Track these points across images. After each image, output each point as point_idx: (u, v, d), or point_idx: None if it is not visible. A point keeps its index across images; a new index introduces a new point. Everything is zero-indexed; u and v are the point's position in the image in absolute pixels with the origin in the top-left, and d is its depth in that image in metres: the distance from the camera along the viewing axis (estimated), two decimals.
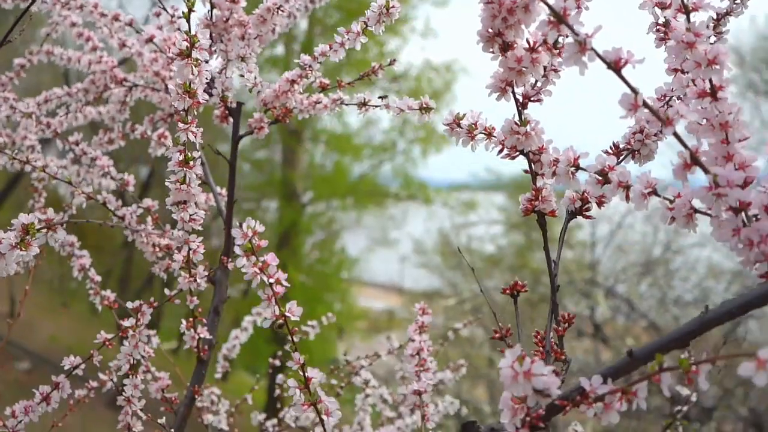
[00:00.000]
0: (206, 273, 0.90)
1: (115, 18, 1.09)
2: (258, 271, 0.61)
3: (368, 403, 1.26)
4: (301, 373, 0.64)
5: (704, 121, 0.54)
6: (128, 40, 1.15)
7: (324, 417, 0.63)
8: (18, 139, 1.23)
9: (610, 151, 0.68)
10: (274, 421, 1.36)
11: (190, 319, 0.95)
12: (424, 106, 0.83)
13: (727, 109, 0.53)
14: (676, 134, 0.50)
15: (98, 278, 1.09)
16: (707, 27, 0.72)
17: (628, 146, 0.67)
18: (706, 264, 7.53)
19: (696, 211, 0.54)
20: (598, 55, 0.50)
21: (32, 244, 0.67)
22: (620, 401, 0.49)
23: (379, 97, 0.96)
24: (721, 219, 0.51)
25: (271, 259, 0.62)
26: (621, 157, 0.67)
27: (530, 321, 7.19)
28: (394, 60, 0.98)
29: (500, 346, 0.68)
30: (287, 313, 0.62)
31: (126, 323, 0.89)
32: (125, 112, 1.19)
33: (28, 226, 0.65)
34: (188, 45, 0.68)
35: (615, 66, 0.50)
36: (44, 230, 0.65)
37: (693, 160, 0.51)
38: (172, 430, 0.92)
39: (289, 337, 0.64)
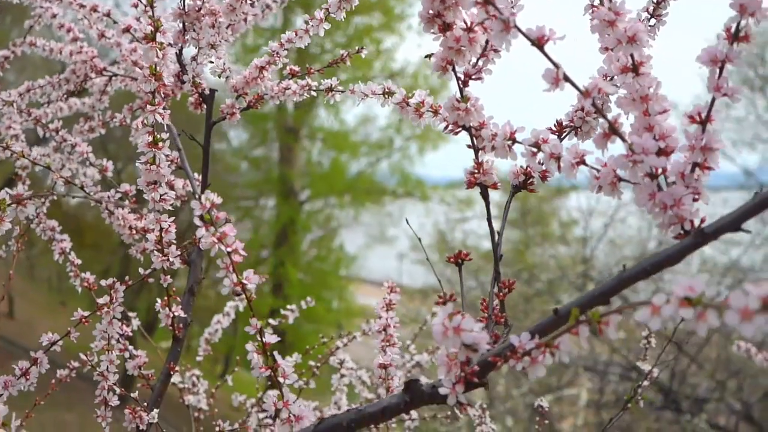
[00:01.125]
0: (179, 252, 0.93)
1: (94, 9, 1.13)
2: (216, 241, 0.65)
3: (344, 383, 1.30)
4: (259, 338, 0.68)
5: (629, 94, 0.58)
6: (107, 31, 1.18)
7: (281, 379, 0.67)
8: (2, 129, 1.27)
9: (553, 128, 0.71)
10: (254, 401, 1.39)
11: (165, 298, 0.98)
12: (387, 90, 0.86)
13: (648, 84, 0.57)
14: (594, 105, 0.54)
15: (78, 261, 1.13)
16: (646, 10, 0.76)
17: (571, 123, 0.71)
18: (699, 259, 7.57)
19: (620, 179, 0.58)
20: (522, 33, 0.54)
21: (4, 219, 0.70)
22: (543, 354, 0.53)
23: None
24: (640, 185, 0.55)
25: (229, 230, 0.66)
26: (564, 134, 0.71)
27: (524, 315, 7.23)
28: (362, 48, 1.02)
29: None
30: (244, 281, 0.66)
31: (101, 300, 0.93)
32: (105, 101, 1.23)
33: (0, 202, 0.69)
34: (153, 29, 0.71)
35: (538, 43, 0.54)
36: (14, 205, 0.69)
37: (611, 130, 0.55)
38: (146, 403, 0.96)
39: (248, 305, 0.68)
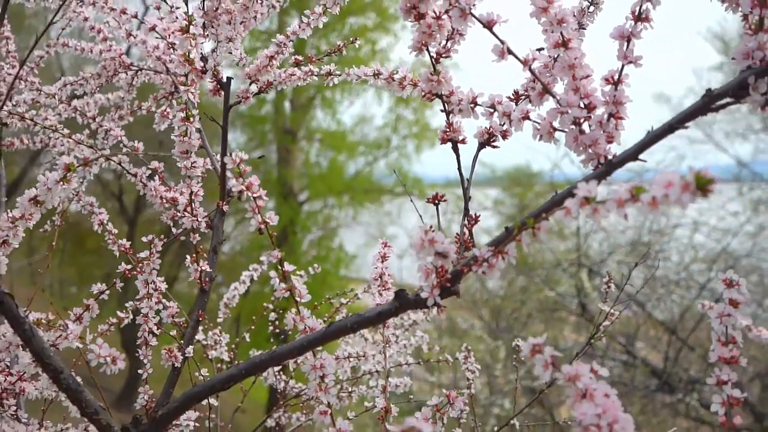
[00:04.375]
0: (206, 214, 1.11)
1: (123, 11, 1.30)
2: (245, 189, 0.82)
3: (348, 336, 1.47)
4: (280, 267, 0.85)
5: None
6: (133, 30, 1.36)
7: (298, 299, 0.85)
8: (41, 119, 1.44)
9: (511, 96, 0.89)
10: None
11: (194, 255, 1.16)
12: (376, 72, 1.04)
13: (574, 55, 0.74)
14: (531, 71, 0.72)
15: (115, 231, 1.30)
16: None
17: (526, 92, 0.89)
18: (692, 247, 7.76)
19: (554, 128, 0.75)
20: (476, 18, 0.71)
21: (72, 180, 0.88)
22: (497, 258, 0.70)
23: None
24: (568, 131, 0.73)
25: (254, 180, 0.83)
26: (519, 100, 0.89)
27: (521, 303, 7.42)
28: (356, 39, 1.19)
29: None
30: (267, 219, 0.84)
31: (142, 255, 1.10)
32: (133, 93, 1.40)
33: (69, 165, 0.86)
34: (187, 23, 0.89)
35: (488, 25, 0.71)
36: (82, 167, 0.86)
37: (545, 90, 0.73)
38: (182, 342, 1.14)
39: (270, 240, 0.85)
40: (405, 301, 0.78)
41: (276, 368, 1.59)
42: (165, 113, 1.39)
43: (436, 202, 0.86)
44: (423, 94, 0.83)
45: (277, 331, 1.64)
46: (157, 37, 1.32)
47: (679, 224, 7.13)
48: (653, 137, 0.67)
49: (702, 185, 0.48)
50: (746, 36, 0.65)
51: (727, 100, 0.66)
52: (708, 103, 0.66)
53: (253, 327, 1.65)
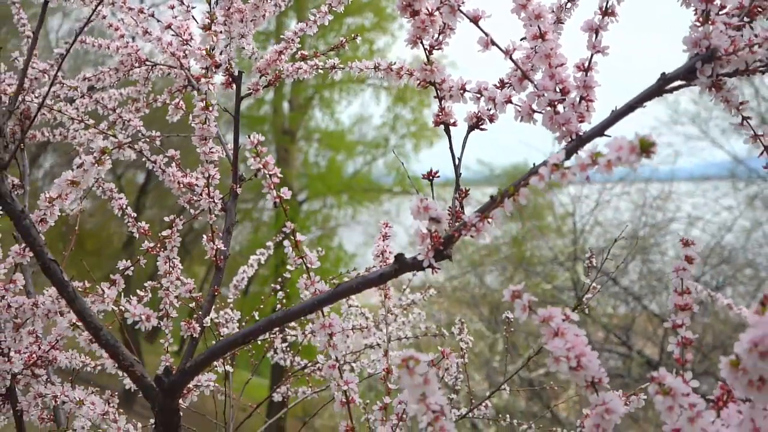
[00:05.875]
0: (222, 196, 1.21)
1: (141, 11, 1.41)
2: (262, 167, 0.93)
3: (351, 312, 1.58)
4: (293, 237, 0.96)
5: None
6: (149, 28, 1.46)
7: (309, 265, 0.95)
8: (65, 110, 1.55)
9: (497, 84, 0.99)
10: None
11: (210, 234, 1.26)
12: (376, 65, 1.14)
13: (550, 46, 0.85)
14: (512, 60, 0.82)
15: (134, 214, 1.41)
16: None
17: (509, 80, 0.99)
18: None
19: (533, 110, 0.86)
20: (464, 14, 0.82)
21: (105, 162, 0.98)
22: (483, 223, 0.81)
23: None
24: (544, 112, 0.83)
25: (270, 159, 0.94)
26: (505, 87, 0.99)
27: None
28: (357, 35, 1.30)
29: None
30: (281, 194, 0.94)
31: (164, 233, 1.21)
32: (148, 86, 1.50)
33: (104, 148, 0.97)
34: (210, 21, 0.99)
35: (474, 20, 0.82)
36: (115, 149, 0.97)
37: (524, 76, 0.83)
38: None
39: (283, 213, 0.96)
40: (403, 263, 0.88)
41: (284, 344, 1.70)
42: (179, 105, 1.50)
43: (431, 177, 0.97)
44: (418, 82, 0.93)
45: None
46: (172, 35, 1.43)
47: (676, 218, 7.25)
48: (616, 116, 0.78)
49: (645, 148, 0.59)
50: (694, 27, 0.76)
51: (680, 82, 0.77)
52: (663, 85, 0.76)
53: (261, 306, 1.75)
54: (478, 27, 0.82)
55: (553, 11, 0.98)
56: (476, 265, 8.99)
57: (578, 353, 0.69)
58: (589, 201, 7.66)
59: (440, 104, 0.94)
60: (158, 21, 1.42)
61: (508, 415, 1.50)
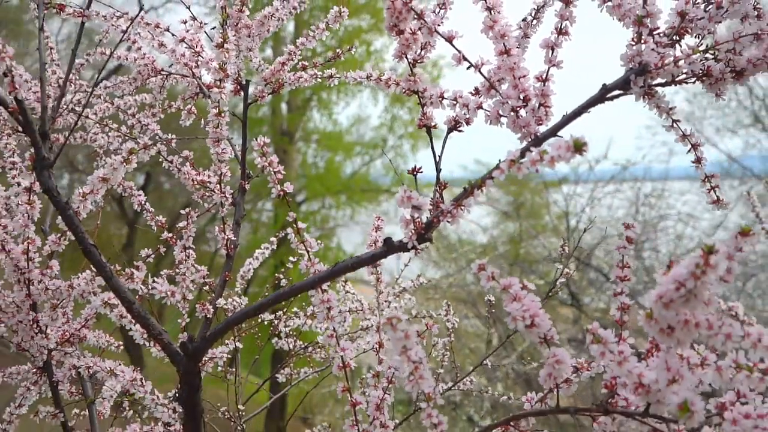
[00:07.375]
0: (232, 191, 1.37)
1: (157, 25, 1.56)
2: (267, 165, 1.08)
3: (347, 298, 1.74)
4: (295, 225, 1.11)
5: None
6: (164, 41, 1.61)
7: (308, 249, 1.11)
8: (84, 116, 1.70)
9: (472, 92, 1.15)
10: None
11: (222, 225, 1.42)
12: (369, 75, 1.30)
13: (513, 60, 1.00)
14: (480, 72, 0.98)
15: (152, 209, 1.56)
16: (530, 14, 1.19)
17: (481, 89, 1.15)
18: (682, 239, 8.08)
19: (500, 114, 1.01)
20: (440, 34, 0.97)
21: (132, 161, 1.13)
22: (457, 210, 0.96)
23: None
24: (508, 116, 0.99)
25: (275, 158, 1.09)
26: (477, 95, 1.14)
27: None
28: (352, 46, 1.46)
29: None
30: (285, 188, 1.09)
31: (180, 224, 1.36)
32: (163, 94, 1.66)
33: (131, 149, 1.12)
34: (222, 40, 1.15)
35: (449, 39, 0.98)
36: (142, 150, 1.12)
37: (491, 86, 0.99)
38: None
39: (287, 205, 1.11)
40: (392, 246, 1.03)
41: (287, 328, 1.86)
42: (191, 110, 1.65)
43: (415, 173, 1.12)
44: (404, 90, 1.09)
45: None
46: (185, 47, 1.58)
47: (667, 215, 7.42)
48: (566, 120, 0.93)
49: (578, 147, 0.74)
50: (629, 45, 0.91)
51: (619, 92, 0.92)
52: (604, 94, 0.92)
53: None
54: (452, 45, 0.97)
55: (520, 27, 1.14)
56: (472, 262, 9.15)
57: (532, 314, 0.84)
58: (581, 199, 7.84)
59: (422, 110, 1.10)
60: (173, 35, 1.58)
61: (493, 391, 1.64)
